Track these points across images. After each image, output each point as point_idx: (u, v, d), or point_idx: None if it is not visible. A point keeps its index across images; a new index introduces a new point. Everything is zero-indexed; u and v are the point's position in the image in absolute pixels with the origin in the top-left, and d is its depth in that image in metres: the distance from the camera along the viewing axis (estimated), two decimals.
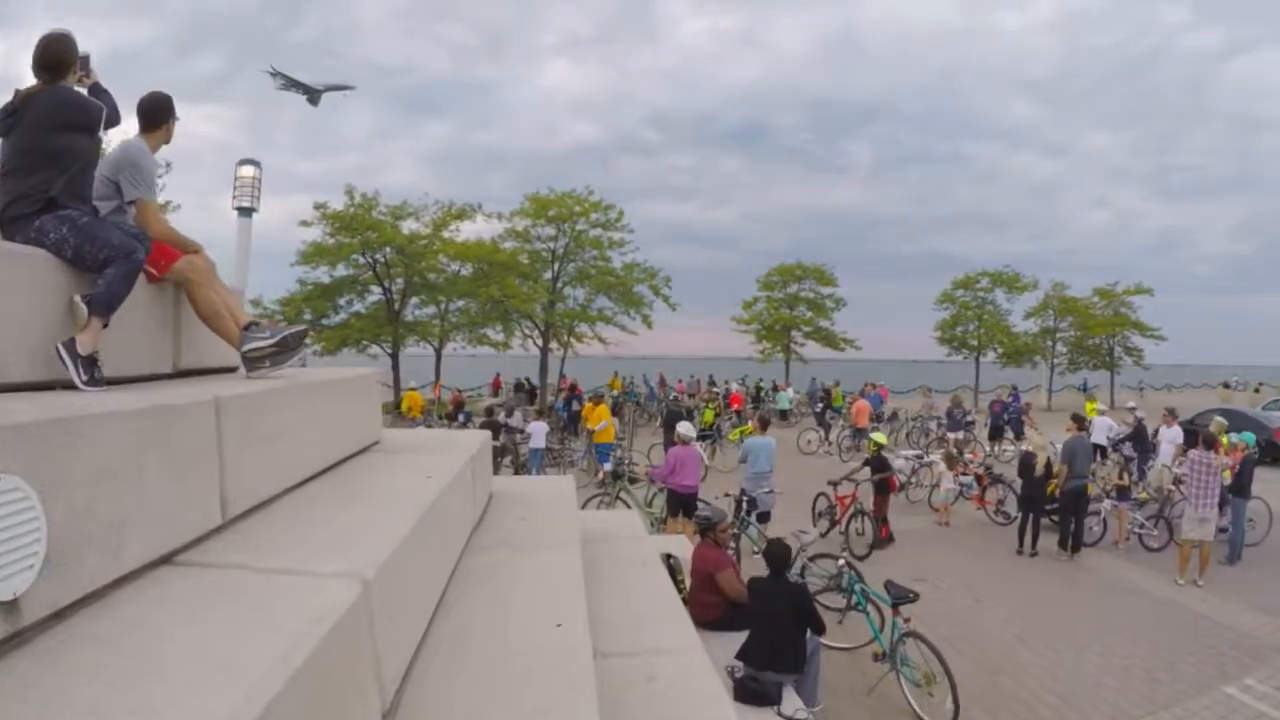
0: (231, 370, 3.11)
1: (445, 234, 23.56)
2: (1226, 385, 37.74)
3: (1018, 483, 9.90)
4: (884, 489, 9.18)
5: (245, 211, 14.11)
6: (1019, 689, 5.42)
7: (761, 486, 8.09)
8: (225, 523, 2.15)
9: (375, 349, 22.94)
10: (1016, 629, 6.52)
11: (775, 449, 8.56)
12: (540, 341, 24.63)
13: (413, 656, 2.11)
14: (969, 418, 15.82)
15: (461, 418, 18.97)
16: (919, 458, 12.25)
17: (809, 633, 4.18)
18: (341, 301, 22.94)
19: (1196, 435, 11.62)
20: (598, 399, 14.22)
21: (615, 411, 17.87)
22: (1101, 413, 13.52)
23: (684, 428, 8.27)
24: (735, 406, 20.37)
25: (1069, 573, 8.28)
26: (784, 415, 20.89)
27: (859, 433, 15.30)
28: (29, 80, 2.48)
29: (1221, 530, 8.34)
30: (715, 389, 23.57)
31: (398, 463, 3.11)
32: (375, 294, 23.35)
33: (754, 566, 7.23)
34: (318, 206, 22.04)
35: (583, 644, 2.31)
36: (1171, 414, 11.82)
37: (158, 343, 2.78)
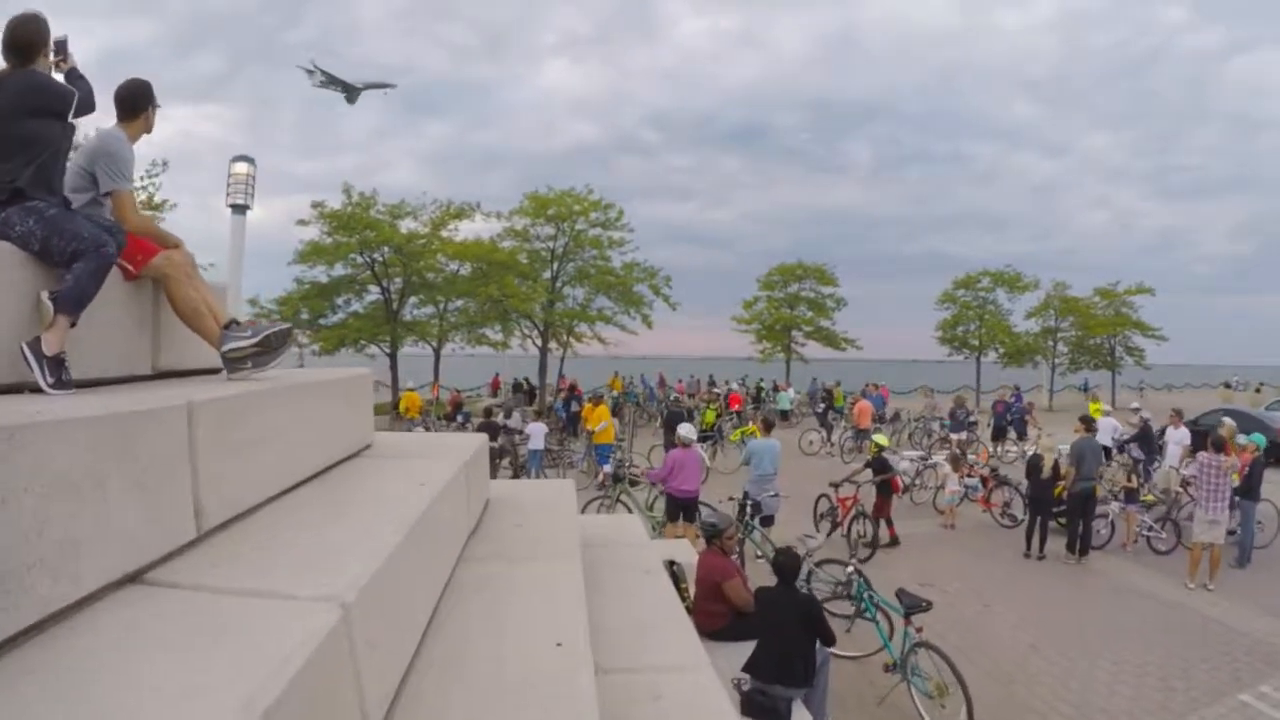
0: (215, 371, 2.96)
1: (444, 233, 23.39)
2: (1227, 385, 37.71)
3: (1024, 484, 9.76)
4: (886, 491, 9.04)
5: (239, 209, 13.95)
6: (1032, 698, 5.28)
7: (766, 490, 7.92)
8: (200, 536, 2.00)
9: (373, 349, 22.77)
10: (1027, 635, 6.38)
11: (779, 452, 8.41)
12: (539, 341, 24.47)
13: (401, 680, 1.96)
14: (972, 418, 15.68)
15: (460, 418, 18.81)
16: (923, 459, 12.10)
17: (818, 643, 4.03)
18: (339, 301, 22.75)
19: (1203, 436, 11.59)
20: (597, 399, 14.07)
21: (615, 412, 17.72)
22: (1106, 413, 13.36)
23: (684, 430, 8.10)
24: (734, 407, 20.20)
25: (1077, 576, 8.14)
26: (785, 416, 20.73)
27: (861, 434, 15.16)
28: None
29: (1229, 533, 8.21)
30: (716, 389, 23.35)
31: (389, 468, 2.96)
32: (373, 293, 23.17)
33: (757, 571, 7.09)
34: (315, 205, 21.89)
35: (584, 665, 2.16)
36: (1178, 415, 11.69)
37: (135, 343, 2.63)
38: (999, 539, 9.51)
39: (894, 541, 8.92)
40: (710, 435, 15.36)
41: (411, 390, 18.82)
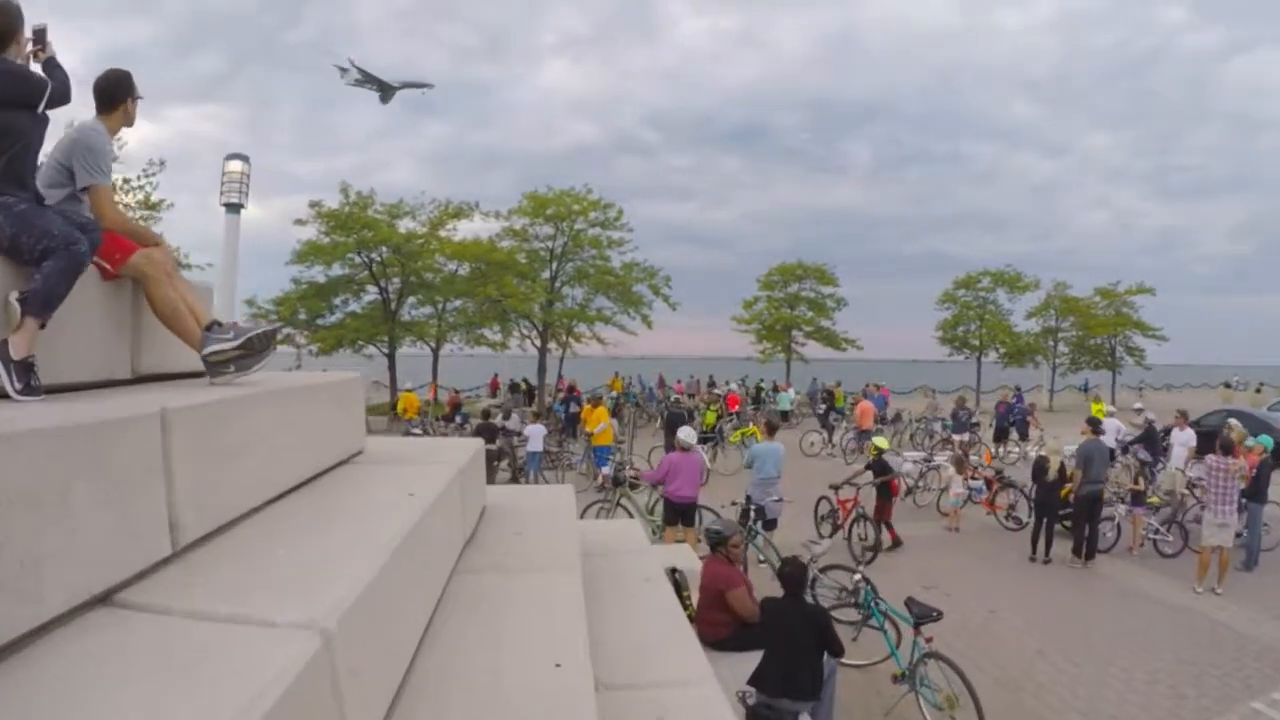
0: (200, 375, 2.84)
1: (442, 233, 23.26)
2: (1228, 385, 37.63)
3: (1029, 487, 9.65)
4: (886, 493, 8.94)
5: (233, 207, 13.80)
6: (1041, 706, 5.17)
7: (770, 494, 7.79)
8: (176, 552, 1.88)
9: (371, 349, 22.64)
10: (1035, 641, 6.27)
11: (783, 455, 8.28)
12: (538, 342, 24.34)
13: (390, 707, 1.84)
14: (974, 419, 15.56)
15: (459, 419, 18.69)
16: (926, 461, 11.98)
17: (825, 655, 3.90)
18: (337, 301, 22.60)
19: (1206, 437, 11.50)
20: (596, 401, 13.95)
21: (615, 413, 17.59)
22: (1110, 414, 13.26)
23: (684, 433, 7.95)
24: (733, 408, 20.05)
25: (1084, 580, 8.03)
26: (785, 416, 20.59)
27: (864, 434, 15.02)
28: None
29: (1236, 535, 8.11)
30: (716, 391, 23.17)
31: (381, 476, 2.84)
32: (371, 293, 23.03)
33: (759, 576, 6.97)
34: (313, 205, 21.73)
35: (585, 686, 2.04)
36: (1183, 416, 11.58)
37: (113, 345, 2.51)
38: (1004, 542, 9.40)
39: (896, 543, 8.81)
40: (711, 437, 15.23)
41: (409, 391, 18.66)
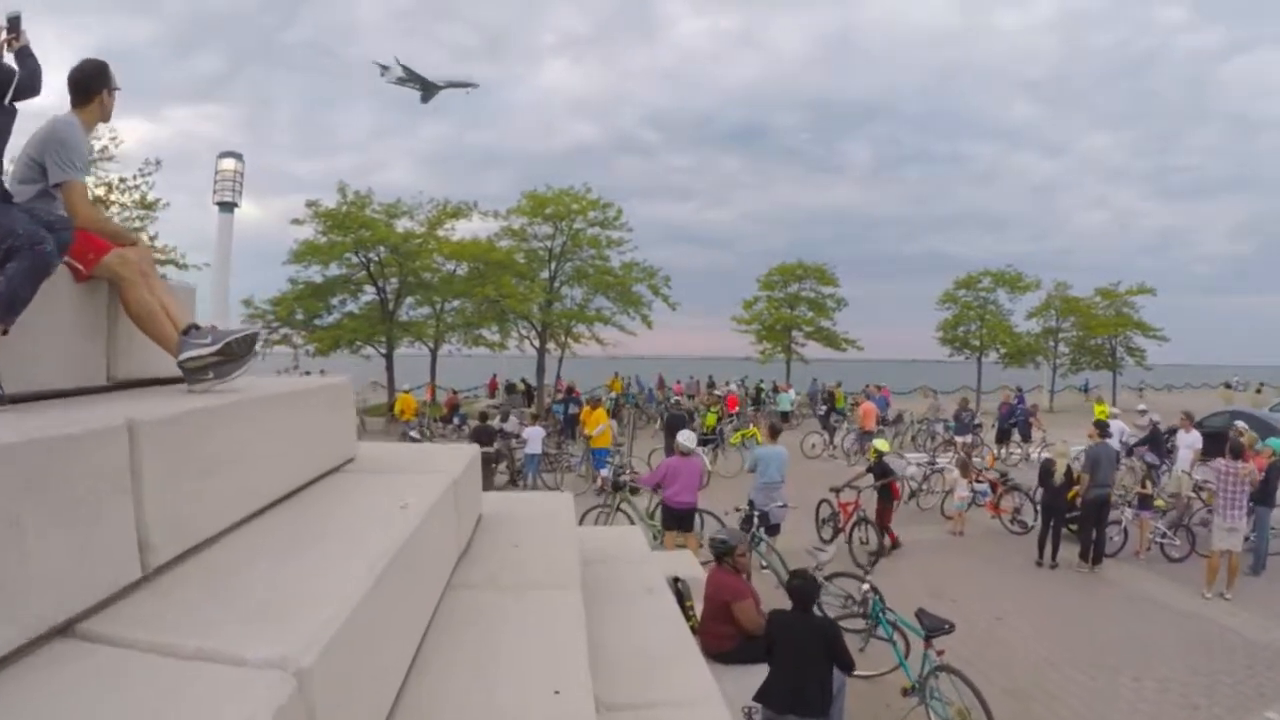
0: (183, 380, 2.72)
1: (440, 233, 23.11)
2: (1228, 385, 37.55)
3: (1034, 489, 9.52)
4: (887, 496, 8.81)
5: (226, 206, 13.61)
6: (1053, 718, 5.05)
7: (773, 500, 7.63)
8: (147, 575, 1.75)
9: (369, 350, 22.48)
10: (1044, 649, 6.14)
11: (787, 459, 8.13)
12: (537, 342, 24.19)
13: None
14: (977, 421, 15.43)
15: (457, 420, 18.53)
16: (930, 463, 11.85)
17: (834, 669, 3.77)
18: (334, 301, 22.45)
19: (1210, 438, 11.39)
20: (595, 402, 13.81)
21: (614, 414, 17.43)
22: (1114, 416, 13.15)
23: (684, 437, 7.79)
24: (732, 409, 19.90)
25: (1091, 585, 7.91)
26: (785, 417, 20.46)
27: (866, 436, 14.90)
28: None
29: (1244, 539, 7.99)
30: (716, 392, 22.97)
31: (371, 486, 2.70)
32: (369, 293, 22.87)
33: (762, 582, 6.83)
34: (310, 204, 21.59)
35: (586, 715, 1.91)
36: (1189, 418, 11.46)
37: (86, 351, 2.38)
38: (1009, 546, 9.27)
39: (894, 545, 8.69)
40: (712, 439, 15.09)
41: (407, 392, 18.50)
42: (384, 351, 22.56)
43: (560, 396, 19.78)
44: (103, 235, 2.38)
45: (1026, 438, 15.89)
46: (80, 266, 2.29)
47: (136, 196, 16.20)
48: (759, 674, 3.84)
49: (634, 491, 8.51)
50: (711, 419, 16.39)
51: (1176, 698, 5.40)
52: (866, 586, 5.24)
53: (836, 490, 8.94)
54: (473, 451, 3.54)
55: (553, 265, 24.08)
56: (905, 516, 10.18)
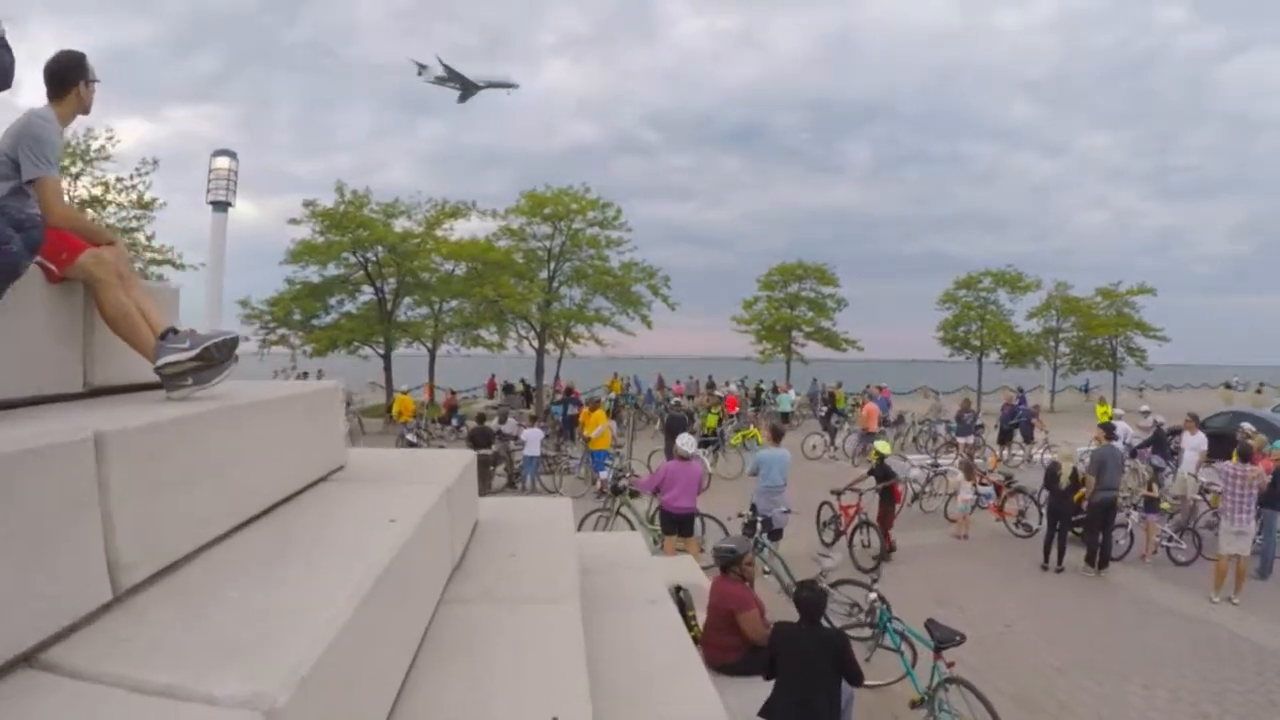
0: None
1: (439, 232, 23.00)
2: (1228, 385, 37.56)
3: (1038, 492, 9.41)
4: (889, 499, 8.70)
5: (220, 205, 13.47)
6: None
7: (776, 504, 7.49)
8: (119, 596, 1.64)
9: (367, 350, 22.35)
10: (1053, 657, 6.03)
11: (790, 462, 8.00)
12: (536, 342, 24.07)
13: None
14: (979, 421, 15.32)
15: (455, 421, 18.39)
16: (933, 465, 11.73)
17: (842, 681, 3.65)
18: (332, 301, 22.33)
19: (1214, 440, 11.28)
20: (594, 404, 13.69)
21: (613, 415, 17.30)
22: (1118, 417, 13.03)
23: (684, 441, 7.64)
24: (732, 410, 19.78)
25: (1098, 590, 7.80)
26: (785, 418, 20.35)
27: (868, 437, 14.79)
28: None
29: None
30: (716, 393, 22.83)
31: (360, 497, 2.59)
32: (367, 294, 22.76)
33: (764, 588, 6.72)
34: (307, 204, 21.47)
35: None
36: (1194, 420, 11.36)
37: (61, 355, 2.27)
38: (1014, 549, 9.16)
39: (890, 550, 8.57)
40: (712, 440, 14.97)
41: (405, 393, 18.36)
42: (382, 352, 22.43)
43: (559, 397, 19.63)
44: (78, 234, 2.27)
45: (1029, 439, 15.78)
46: (53, 267, 2.18)
47: (133, 196, 16.13)
48: (763, 686, 3.73)
49: (634, 495, 8.38)
50: (712, 420, 16.26)
51: (1187, 706, 5.30)
52: (874, 595, 5.11)
53: (838, 493, 8.83)
54: (468, 458, 3.43)
55: (552, 265, 23.96)
56: (909, 520, 10.06)
